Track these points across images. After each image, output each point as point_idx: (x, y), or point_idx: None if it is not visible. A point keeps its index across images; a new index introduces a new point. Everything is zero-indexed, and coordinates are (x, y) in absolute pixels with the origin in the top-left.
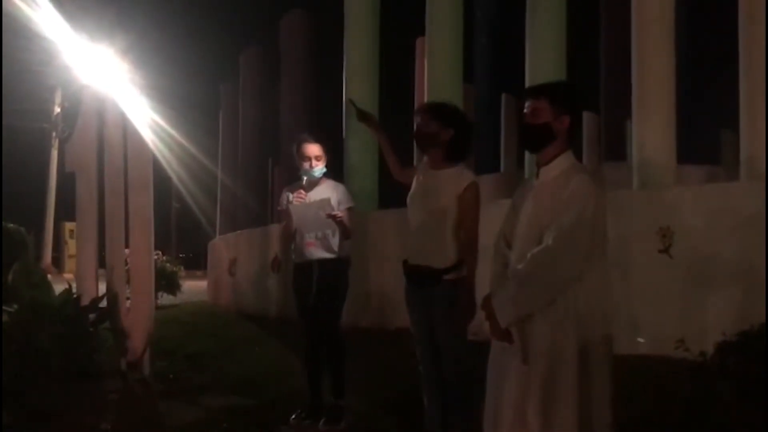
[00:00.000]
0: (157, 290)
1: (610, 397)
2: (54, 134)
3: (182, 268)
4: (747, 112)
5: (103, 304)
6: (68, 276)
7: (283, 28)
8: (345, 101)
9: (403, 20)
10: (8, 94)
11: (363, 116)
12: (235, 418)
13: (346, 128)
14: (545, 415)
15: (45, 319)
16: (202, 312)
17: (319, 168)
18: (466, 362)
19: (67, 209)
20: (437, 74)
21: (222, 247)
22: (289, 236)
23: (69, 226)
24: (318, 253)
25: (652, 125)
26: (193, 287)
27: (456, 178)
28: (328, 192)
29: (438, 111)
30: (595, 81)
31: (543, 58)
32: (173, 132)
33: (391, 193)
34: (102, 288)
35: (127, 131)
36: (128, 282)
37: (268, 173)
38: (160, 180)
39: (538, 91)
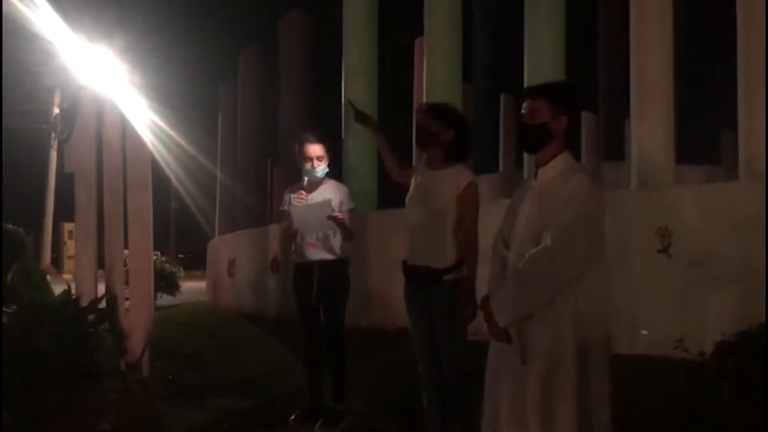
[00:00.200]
0: (156, 291)
1: (609, 397)
2: (53, 135)
3: (181, 268)
4: (745, 111)
5: (103, 304)
6: (67, 277)
7: (282, 29)
8: (344, 101)
9: (402, 20)
10: (7, 95)
11: (361, 117)
12: (235, 419)
13: (345, 128)
14: (544, 416)
15: (44, 319)
16: (202, 312)
17: (321, 168)
18: (465, 362)
19: (66, 210)
20: (436, 74)
21: (221, 247)
22: (290, 237)
23: (68, 226)
24: (319, 253)
25: (651, 125)
26: (192, 288)
27: (455, 178)
28: (330, 193)
29: (439, 111)
30: (594, 81)
31: (542, 58)
32: (172, 132)
33: (390, 193)
34: (101, 289)
35: (125, 132)
36: (127, 283)
37: (267, 173)
38: (159, 180)
39: (536, 91)
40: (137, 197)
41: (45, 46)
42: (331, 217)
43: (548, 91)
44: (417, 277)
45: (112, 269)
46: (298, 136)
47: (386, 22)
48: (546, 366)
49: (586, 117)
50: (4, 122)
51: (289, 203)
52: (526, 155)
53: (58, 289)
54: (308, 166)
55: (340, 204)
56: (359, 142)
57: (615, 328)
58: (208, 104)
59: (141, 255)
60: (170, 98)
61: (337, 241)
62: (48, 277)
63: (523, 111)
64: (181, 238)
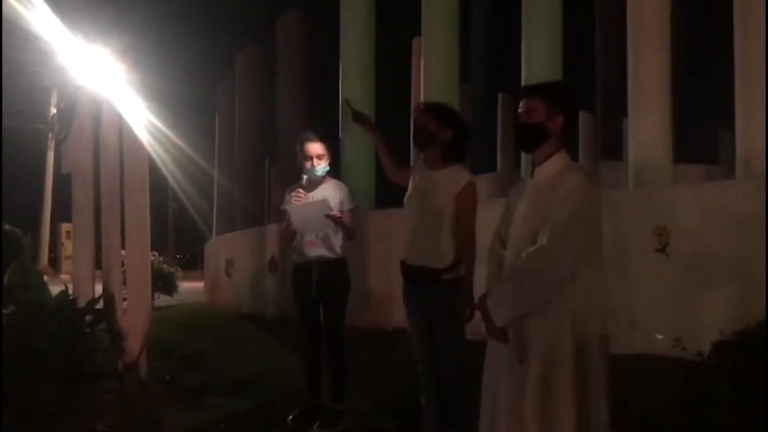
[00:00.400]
0: (153, 291)
1: (607, 396)
2: (50, 135)
3: (179, 269)
4: (742, 110)
5: (100, 305)
6: (65, 277)
7: (279, 28)
8: (341, 101)
9: (400, 20)
10: (4, 95)
11: (359, 117)
12: (233, 419)
13: (343, 128)
14: (543, 415)
15: (41, 320)
16: (199, 313)
17: (321, 167)
18: (464, 362)
19: (63, 210)
20: (434, 74)
21: (219, 247)
22: (290, 236)
23: (65, 227)
24: (318, 252)
25: (648, 124)
26: (190, 288)
27: (453, 177)
28: (330, 192)
29: (437, 111)
30: (591, 80)
31: (539, 58)
32: (169, 132)
33: (387, 192)
34: (99, 289)
35: (123, 132)
36: (125, 283)
37: (264, 173)
38: (157, 180)
39: (533, 90)
40: (134, 197)
41: (42, 45)
42: (329, 216)
43: (545, 90)
44: (415, 276)
45: (110, 270)
46: (299, 135)
47: (384, 21)
48: (544, 365)
49: (583, 116)
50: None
51: (289, 202)
52: (523, 155)
53: (55, 289)
54: (308, 164)
55: (341, 203)
56: (356, 142)
57: (613, 327)
58: (205, 104)
59: (138, 255)
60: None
61: (338, 241)
62: (45, 277)
63: (519, 110)
64: (178, 238)
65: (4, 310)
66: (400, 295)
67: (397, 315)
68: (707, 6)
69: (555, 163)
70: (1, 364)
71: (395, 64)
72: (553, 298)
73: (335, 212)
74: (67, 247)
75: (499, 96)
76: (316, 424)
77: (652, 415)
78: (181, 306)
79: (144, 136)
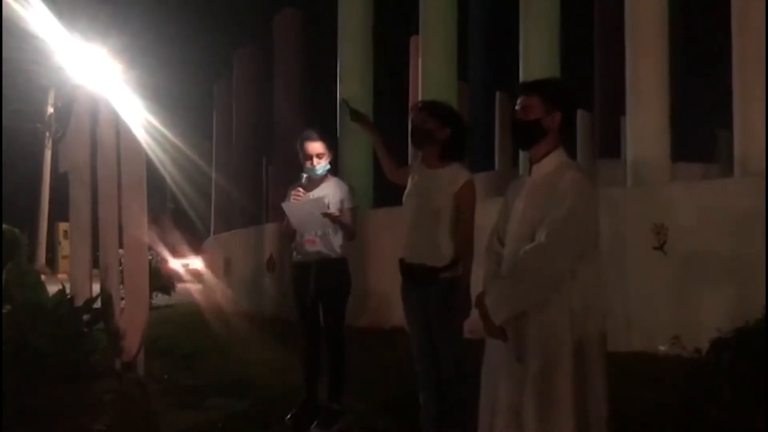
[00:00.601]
0: (151, 290)
1: (605, 394)
2: (47, 134)
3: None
4: (741, 109)
5: (98, 304)
6: (62, 277)
7: (276, 27)
8: (339, 100)
9: (397, 18)
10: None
11: (357, 116)
12: (231, 418)
13: (341, 127)
14: (542, 413)
15: (39, 320)
16: (197, 312)
17: (321, 166)
18: (463, 361)
19: (61, 210)
20: (432, 72)
21: (216, 247)
22: (290, 235)
23: (63, 226)
24: (318, 251)
25: (646, 123)
26: (188, 287)
27: (452, 176)
28: (330, 190)
29: (435, 109)
30: (590, 78)
31: (537, 56)
32: (167, 132)
33: (385, 191)
34: (96, 288)
35: (120, 131)
36: (122, 282)
37: (262, 172)
38: (154, 180)
39: (530, 87)
40: (132, 196)
41: (39, 45)
42: (326, 215)
43: (542, 87)
44: (414, 275)
45: (107, 269)
46: (300, 134)
47: (382, 20)
48: (542, 363)
49: (581, 115)
50: None
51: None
52: (521, 154)
53: (53, 289)
54: (308, 163)
55: (341, 202)
56: (354, 141)
57: (611, 325)
58: (202, 103)
59: (136, 254)
60: (165, 97)
61: (337, 240)
62: (43, 277)
63: (517, 107)
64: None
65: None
66: (398, 293)
67: (396, 314)
68: (705, 4)
69: (552, 161)
70: (1, 363)
71: (393, 63)
72: (551, 296)
73: (333, 211)
74: (65, 247)
75: (497, 95)
76: (315, 423)
77: (650, 413)
78: (179, 305)
79: (141, 135)
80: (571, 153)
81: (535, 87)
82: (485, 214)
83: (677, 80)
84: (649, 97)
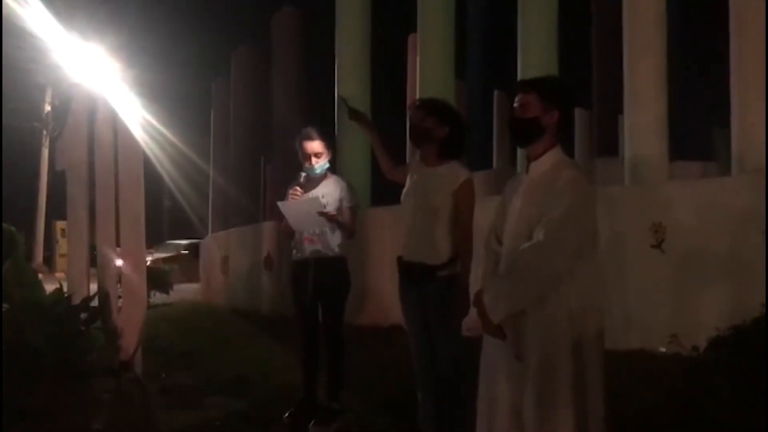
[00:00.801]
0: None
1: (603, 392)
2: (44, 133)
3: (176, 266)
4: (738, 107)
5: (95, 303)
6: (59, 275)
7: (274, 26)
8: (337, 98)
9: (395, 17)
10: None
11: (355, 115)
12: (229, 417)
13: (339, 125)
14: (541, 411)
15: (36, 318)
16: (195, 310)
17: (319, 164)
18: (461, 359)
19: (58, 208)
20: (430, 71)
21: (214, 245)
22: (289, 233)
23: (60, 225)
24: (316, 249)
25: (644, 121)
26: (186, 286)
27: (451, 175)
28: (330, 189)
29: (433, 107)
30: (588, 77)
31: (535, 55)
32: (164, 130)
33: (383, 190)
34: (93, 287)
35: (117, 129)
36: (120, 281)
37: (260, 171)
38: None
39: (528, 85)
40: (129, 195)
41: (36, 43)
42: (322, 214)
43: (540, 85)
44: (412, 273)
45: (105, 267)
46: (298, 132)
47: (379, 18)
48: (541, 362)
49: (579, 113)
50: None
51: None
52: (519, 152)
53: (50, 287)
54: (307, 162)
55: (340, 201)
56: (352, 139)
57: (609, 323)
58: (200, 102)
59: (133, 253)
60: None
61: (335, 239)
62: (40, 275)
63: (515, 104)
64: (174, 236)
65: None
66: (396, 292)
67: (395, 312)
68: (703, 3)
69: (550, 159)
70: (1, 362)
71: (391, 61)
72: (549, 294)
73: (329, 210)
74: (62, 245)
75: (495, 93)
76: (313, 422)
77: (648, 411)
78: (177, 304)
79: (139, 134)
80: (569, 151)
81: (534, 84)
82: (483, 213)
83: (675, 79)
84: (647, 96)
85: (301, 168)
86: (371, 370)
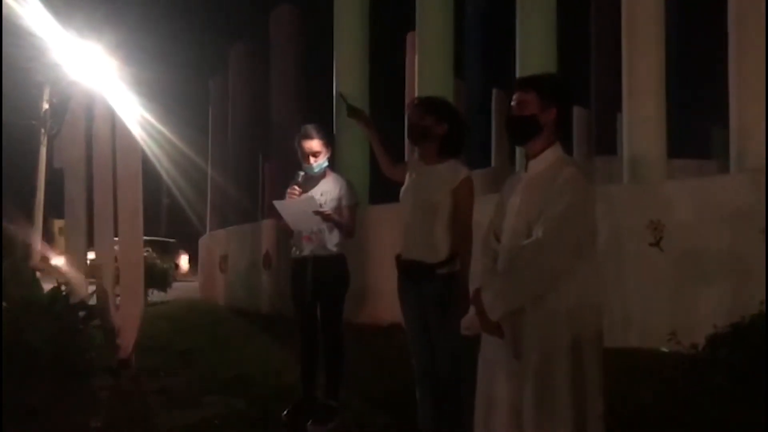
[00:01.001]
0: (147, 287)
1: (601, 390)
2: (42, 131)
3: (174, 265)
4: (737, 105)
5: (93, 301)
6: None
7: (272, 23)
8: (335, 96)
9: (394, 15)
10: None
11: (353, 112)
12: (227, 415)
13: (337, 123)
14: (540, 410)
15: (35, 317)
16: (193, 308)
17: (318, 163)
18: (459, 357)
19: (56, 206)
20: (428, 69)
21: (213, 243)
22: (289, 230)
23: (58, 223)
24: (314, 248)
25: (643, 119)
26: (184, 284)
27: (450, 173)
28: (329, 187)
29: (432, 105)
30: (586, 75)
31: (534, 53)
32: (162, 128)
33: (382, 188)
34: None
35: (115, 127)
36: (118, 279)
37: (258, 169)
38: (150, 176)
39: (526, 82)
40: (127, 192)
41: (35, 41)
42: (318, 213)
43: (538, 83)
44: (411, 271)
45: (103, 265)
46: (297, 130)
47: (377, 16)
48: (540, 360)
49: (577, 111)
50: None
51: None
52: (518, 151)
53: (48, 286)
54: (305, 161)
55: (339, 199)
56: (351, 137)
57: (607, 321)
58: (198, 99)
59: (131, 251)
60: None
61: (333, 238)
62: (38, 274)
63: (512, 102)
64: (172, 234)
65: None
66: (394, 290)
67: (394, 310)
68: (702, 1)
69: (549, 157)
70: (1, 362)
71: (389, 59)
72: (548, 292)
73: (325, 209)
74: (60, 244)
75: (494, 91)
76: (311, 420)
77: (647, 408)
78: (175, 302)
79: (137, 132)
80: (568, 149)
81: (532, 82)
82: (481, 211)
83: (673, 77)
84: (646, 94)
85: (299, 166)
86: (370, 369)
